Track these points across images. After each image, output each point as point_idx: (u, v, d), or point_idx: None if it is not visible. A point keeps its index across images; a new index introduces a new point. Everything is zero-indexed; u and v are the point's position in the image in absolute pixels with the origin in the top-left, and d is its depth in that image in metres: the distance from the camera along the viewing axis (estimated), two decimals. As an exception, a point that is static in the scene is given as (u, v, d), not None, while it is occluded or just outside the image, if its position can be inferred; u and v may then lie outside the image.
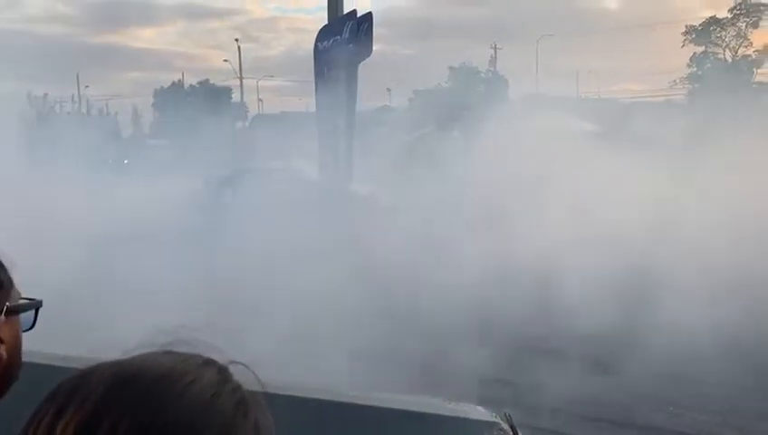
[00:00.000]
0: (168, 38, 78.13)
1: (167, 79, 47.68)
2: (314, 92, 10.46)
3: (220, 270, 8.23)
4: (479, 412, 2.20)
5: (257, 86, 55.58)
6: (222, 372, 0.67)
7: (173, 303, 5.77)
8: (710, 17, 54.93)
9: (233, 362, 0.69)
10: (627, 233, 9.34)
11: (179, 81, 50.22)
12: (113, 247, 9.42)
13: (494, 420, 2.07)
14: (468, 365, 5.27)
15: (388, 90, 54.14)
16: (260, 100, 56.07)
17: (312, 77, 10.56)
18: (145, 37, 79.58)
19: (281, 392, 1.65)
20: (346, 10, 10.41)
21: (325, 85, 10.16)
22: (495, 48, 50.85)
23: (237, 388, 0.66)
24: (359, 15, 9.82)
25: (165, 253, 8.30)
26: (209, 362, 0.67)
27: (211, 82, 49.34)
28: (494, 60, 48.19)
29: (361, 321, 6.28)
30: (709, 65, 53.18)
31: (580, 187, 13.02)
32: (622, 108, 32.58)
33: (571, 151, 15.20)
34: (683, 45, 55.06)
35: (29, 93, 31.29)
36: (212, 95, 43.10)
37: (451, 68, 36.52)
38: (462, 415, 2.15)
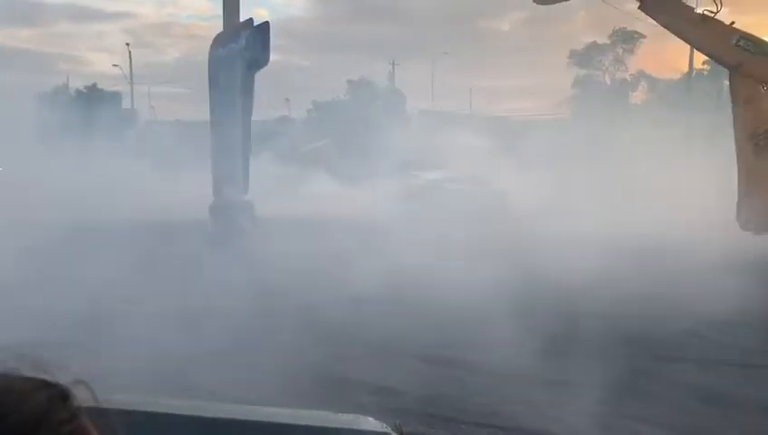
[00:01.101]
0: (52, 39, 73.68)
1: (49, 82, 44.68)
2: (209, 101, 10.19)
3: None
4: (370, 423, 2.20)
5: (149, 92, 53.49)
6: (57, 391, 0.61)
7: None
8: (591, 42, 58.74)
9: (77, 381, 0.63)
10: (515, 244, 9.84)
11: (64, 84, 47.46)
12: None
13: (384, 430, 2.07)
14: (361, 375, 5.29)
15: (287, 100, 53.68)
16: (152, 107, 54.01)
17: (207, 85, 10.28)
18: (24, 37, 74.64)
19: (162, 411, 1.57)
20: (242, 18, 10.27)
21: (220, 93, 9.94)
22: (393, 64, 51.85)
23: (74, 409, 0.60)
24: (255, 24, 9.72)
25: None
26: (47, 383, 0.61)
27: (99, 86, 46.96)
28: (392, 75, 49.09)
29: (253, 334, 6.17)
30: (590, 87, 56.62)
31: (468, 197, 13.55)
32: (512, 125, 34.14)
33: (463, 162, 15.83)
34: (567, 68, 58.40)
35: None
36: (99, 100, 40.98)
37: (350, 81, 36.80)
38: (353, 426, 2.13)
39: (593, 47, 58.26)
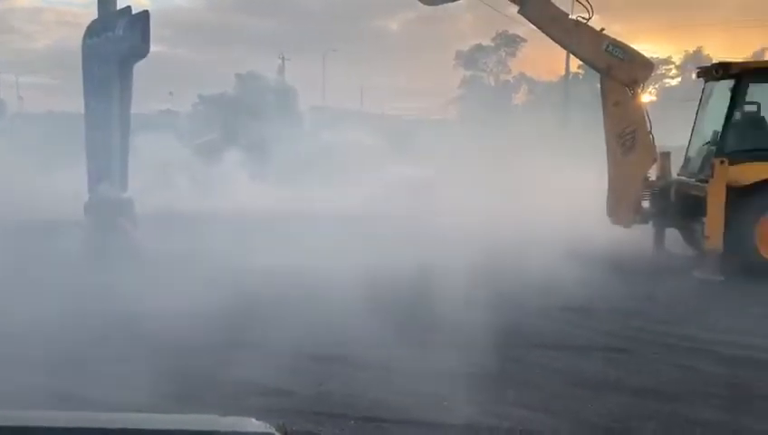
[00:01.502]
0: None
1: None
2: (83, 92, 9.57)
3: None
4: (253, 424, 2.14)
5: (17, 82, 49.83)
6: None
7: None
8: (476, 44, 60.90)
9: None
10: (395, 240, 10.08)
11: None
12: None
13: (268, 431, 2.03)
14: (249, 377, 5.18)
15: (171, 93, 51.59)
16: (21, 97, 50.38)
17: (81, 75, 9.64)
18: None
19: (35, 424, 1.45)
20: (120, 6, 9.72)
21: (94, 85, 9.37)
22: (283, 59, 51.26)
23: None
24: (134, 13, 9.24)
25: None
26: None
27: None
28: (282, 70, 48.48)
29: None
30: (476, 88, 58.72)
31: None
32: (402, 123, 34.76)
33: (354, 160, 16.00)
34: (453, 69, 60.28)
35: None
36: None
37: (238, 75, 35.88)
38: (236, 429, 2.07)
39: (478, 49, 60.50)
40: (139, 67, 9.66)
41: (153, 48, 9.42)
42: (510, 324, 6.75)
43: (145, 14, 9.25)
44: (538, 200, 13.95)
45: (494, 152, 18.53)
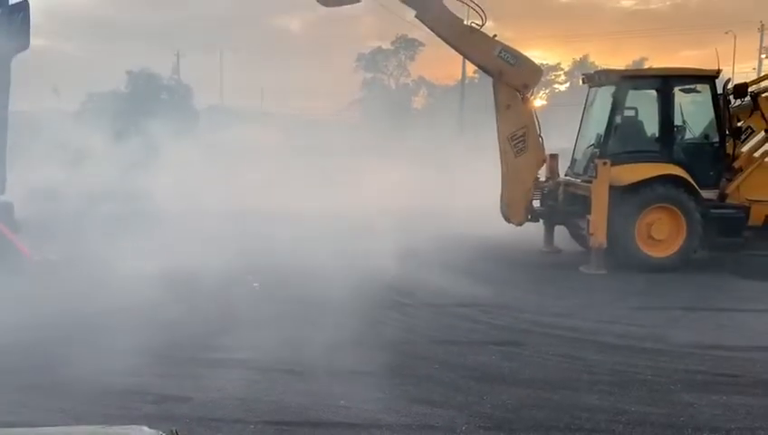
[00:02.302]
0: None
1: None
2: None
3: None
4: (144, 432, 2.08)
5: None
6: None
7: None
8: (377, 47, 61.48)
9: None
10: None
11: None
12: None
13: (160, 438, 1.98)
14: (144, 385, 5.00)
15: (55, 90, 48.64)
16: None
17: (-49, 68, 8.90)
18: None
19: None
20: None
21: (-32, 79, 8.69)
22: (178, 56, 49.53)
23: None
24: (12, 3, 8.65)
25: None
26: None
27: None
28: (176, 67, 46.86)
29: None
30: (376, 90, 59.26)
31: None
32: (301, 123, 34.56)
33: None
34: (354, 71, 60.54)
35: None
36: None
37: (129, 72, 34.38)
38: (127, 438, 2.02)
39: (379, 52, 61.10)
40: (19, 62, 9.06)
41: (36, 42, 8.87)
42: (406, 322, 6.90)
43: (24, 5, 8.67)
44: (435, 199, 14.39)
45: (392, 153, 18.89)
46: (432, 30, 10.59)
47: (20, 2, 8.69)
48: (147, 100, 29.97)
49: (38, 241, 9.13)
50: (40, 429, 1.98)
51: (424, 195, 14.74)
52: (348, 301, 7.55)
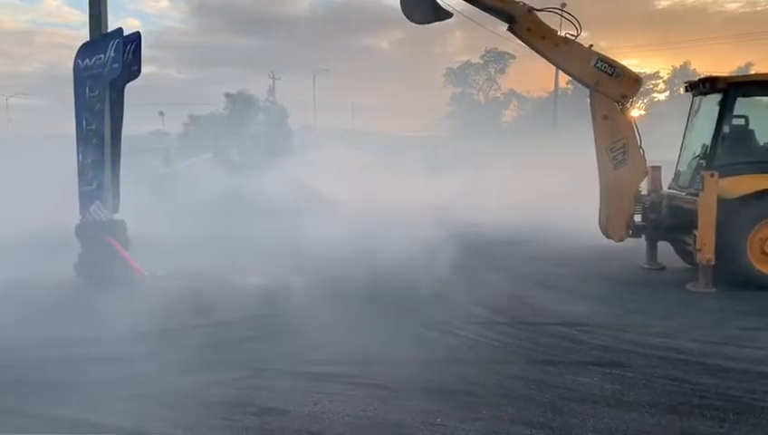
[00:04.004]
0: None
1: None
2: (74, 114, 9.57)
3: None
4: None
5: (7, 104, 49.82)
6: None
7: None
8: (465, 62, 61.36)
9: None
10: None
11: None
12: None
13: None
14: (243, 397, 5.13)
15: (161, 113, 51.59)
16: (9, 119, 50.32)
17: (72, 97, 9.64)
18: None
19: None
20: (111, 28, 9.77)
21: (86, 106, 9.37)
22: (273, 78, 51.46)
23: None
24: (126, 34, 9.27)
25: None
26: None
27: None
28: (272, 89, 48.65)
29: None
30: (465, 105, 59.06)
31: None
32: (391, 141, 34.89)
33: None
34: (443, 86, 60.66)
35: None
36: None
37: (228, 95, 36.01)
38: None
39: (468, 66, 60.96)
40: (131, 88, 9.68)
41: (144, 69, 9.46)
42: (501, 341, 6.75)
43: (136, 36, 9.29)
44: (529, 216, 14.11)
45: (483, 166, 18.75)
46: (525, 42, 10.43)
47: (132, 33, 9.31)
48: (244, 121, 31.21)
49: (148, 258, 9.68)
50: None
51: (516, 210, 14.51)
52: (440, 317, 7.52)
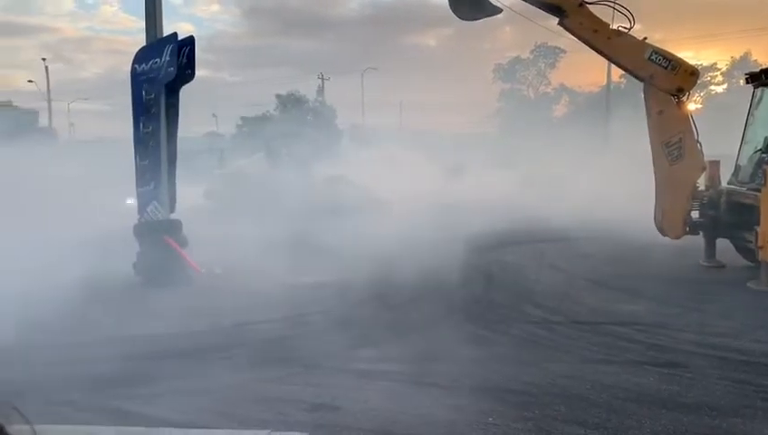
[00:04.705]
0: (-40, 55, 70.13)
1: (-41, 99, 42.50)
2: (132, 117, 9.88)
3: None
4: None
5: (68, 109, 51.73)
6: None
7: None
8: (515, 57, 60.55)
9: (7, 404, 0.61)
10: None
11: (-23, 102, 45.12)
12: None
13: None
14: (297, 393, 5.21)
15: (214, 115, 52.72)
16: (71, 124, 52.23)
17: (129, 101, 9.95)
18: (-69, 52, 70.69)
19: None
20: (166, 33, 10.03)
21: (143, 110, 9.66)
22: (323, 78, 51.88)
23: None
24: (180, 39, 9.51)
25: None
26: None
27: (15, 103, 45.08)
28: (321, 89, 49.09)
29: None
30: (514, 101, 58.32)
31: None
32: (439, 138, 34.78)
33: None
34: (492, 82, 60.02)
35: None
36: (13, 118, 39.08)
37: (278, 96, 36.54)
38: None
39: (517, 62, 60.15)
40: (185, 91, 9.93)
41: (198, 72, 9.69)
42: (554, 340, 6.66)
43: (190, 40, 9.52)
44: (585, 212, 13.87)
45: (533, 163, 18.50)
46: (576, 36, 10.25)
47: (186, 37, 9.55)
48: (294, 121, 31.65)
49: (203, 255, 9.92)
50: (213, 431, 2.11)
51: (570, 208, 14.28)
52: (492, 316, 7.48)
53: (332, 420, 4.73)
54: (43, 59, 52.24)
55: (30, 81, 48.80)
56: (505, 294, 8.36)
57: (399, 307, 7.92)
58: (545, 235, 13.07)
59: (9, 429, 0.60)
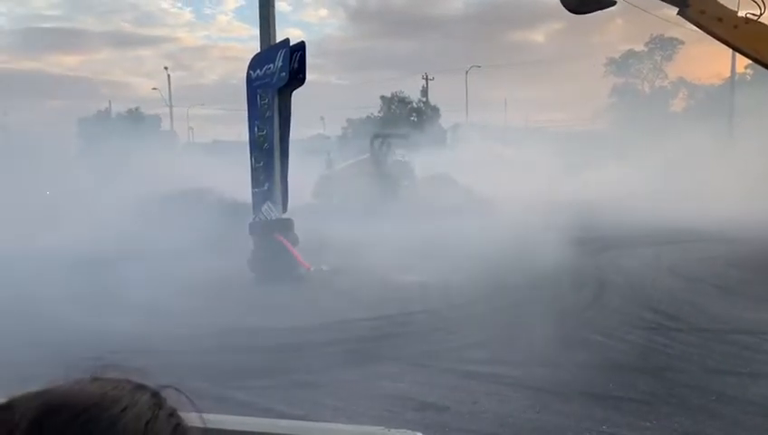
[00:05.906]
0: (95, 66, 76.12)
1: (92, 107, 46.18)
2: (247, 121, 10.34)
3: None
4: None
5: (188, 114, 54.90)
6: (156, 396, 0.63)
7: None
8: (628, 50, 57.88)
9: (165, 386, 0.66)
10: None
11: (106, 109, 48.92)
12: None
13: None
14: (403, 391, 5.25)
15: (322, 118, 54.22)
16: (190, 128, 55.35)
17: (245, 105, 10.43)
18: (69, 64, 77.25)
19: (222, 427, 1.59)
20: (278, 39, 10.41)
21: (257, 113, 10.08)
22: (427, 78, 51.99)
23: (173, 414, 0.63)
24: (292, 44, 9.83)
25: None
26: (141, 388, 0.64)
27: (140, 110, 48.45)
28: (425, 90, 49.21)
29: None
30: (628, 96, 55.75)
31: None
32: (548, 136, 33.89)
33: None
34: (604, 77, 57.64)
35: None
36: (139, 123, 42.02)
37: (383, 97, 37.01)
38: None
39: (630, 55, 57.44)
40: (296, 95, 10.25)
41: (308, 77, 9.95)
42: (675, 348, 6.31)
43: (302, 46, 9.81)
44: (710, 213, 13.07)
45: (651, 161, 17.58)
46: (698, 26, 9.67)
47: (297, 42, 9.86)
48: (398, 122, 31.94)
49: (313, 254, 10.22)
50: (327, 425, 2.17)
51: (694, 207, 13.46)
52: (605, 320, 7.21)
53: (440, 420, 4.73)
54: (165, 67, 55.69)
55: (154, 88, 52.15)
56: (620, 300, 8.01)
57: (506, 309, 7.79)
58: (667, 236, 12.36)
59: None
